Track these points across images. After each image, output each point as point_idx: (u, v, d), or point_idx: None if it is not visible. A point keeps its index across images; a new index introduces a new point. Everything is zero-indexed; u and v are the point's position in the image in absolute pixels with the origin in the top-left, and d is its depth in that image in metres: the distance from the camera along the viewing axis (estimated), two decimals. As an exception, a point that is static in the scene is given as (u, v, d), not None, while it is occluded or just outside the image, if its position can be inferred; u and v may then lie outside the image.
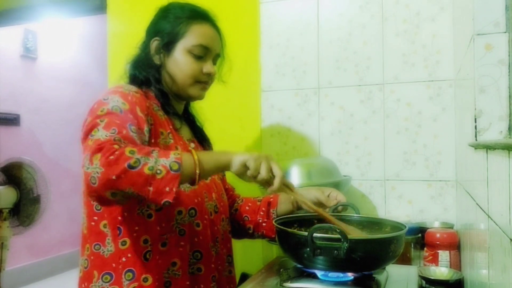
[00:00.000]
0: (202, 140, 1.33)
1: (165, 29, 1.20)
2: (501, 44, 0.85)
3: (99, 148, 0.89)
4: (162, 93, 1.20)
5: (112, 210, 1.08)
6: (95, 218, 1.10)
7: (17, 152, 3.23)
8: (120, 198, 0.91)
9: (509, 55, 0.84)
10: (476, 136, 0.88)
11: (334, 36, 1.77)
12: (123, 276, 1.05)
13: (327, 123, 1.77)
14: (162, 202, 0.89)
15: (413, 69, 1.67)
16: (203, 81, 1.22)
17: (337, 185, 1.47)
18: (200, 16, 1.22)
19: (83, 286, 1.12)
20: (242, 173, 1.01)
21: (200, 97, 1.25)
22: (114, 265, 1.07)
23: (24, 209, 2.74)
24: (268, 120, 1.85)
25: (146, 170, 0.87)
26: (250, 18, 1.87)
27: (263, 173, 1.00)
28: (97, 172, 0.86)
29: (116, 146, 0.89)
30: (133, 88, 1.12)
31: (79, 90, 4.70)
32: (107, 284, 1.07)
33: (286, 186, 1.08)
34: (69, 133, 4.52)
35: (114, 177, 0.86)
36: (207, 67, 1.20)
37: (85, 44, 4.81)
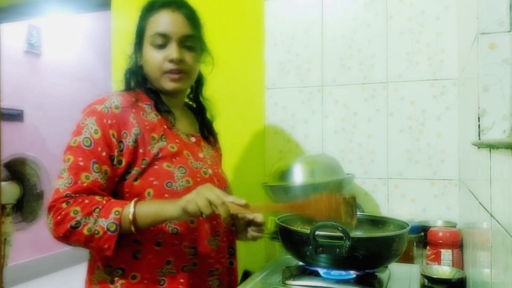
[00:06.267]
0: (208, 134, 1.32)
1: (136, 30, 1.21)
2: (505, 43, 0.85)
3: (51, 206, 1.03)
4: (152, 92, 1.21)
5: None
6: None
7: (20, 148, 3.23)
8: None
9: (513, 55, 0.84)
10: (479, 135, 0.88)
11: (338, 34, 1.77)
12: (114, 273, 1.10)
13: (330, 121, 1.77)
14: (103, 256, 1.05)
15: (417, 68, 1.67)
16: (172, 70, 1.15)
17: (340, 183, 1.48)
18: (156, 6, 1.18)
19: (87, 277, 1.18)
20: (191, 216, 1.02)
21: (175, 89, 1.18)
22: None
23: (27, 205, 2.75)
24: (272, 118, 1.85)
25: (85, 232, 1.01)
26: (254, 16, 1.86)
27: (205, 211, 0.99)
28: (51, 228, 1.04)
29: (64, 205, 1.02)
30: (117, 101, 1.12)
31: (82, 86, 4.70)
32: (109, 276, 1.11)
33: (237, 206, 1.01)
34: (72, 129, 4.53)
35: (61, 235, 1.02)
36: (169, 53, 1.14)
37: (89, 40, 4.81)
